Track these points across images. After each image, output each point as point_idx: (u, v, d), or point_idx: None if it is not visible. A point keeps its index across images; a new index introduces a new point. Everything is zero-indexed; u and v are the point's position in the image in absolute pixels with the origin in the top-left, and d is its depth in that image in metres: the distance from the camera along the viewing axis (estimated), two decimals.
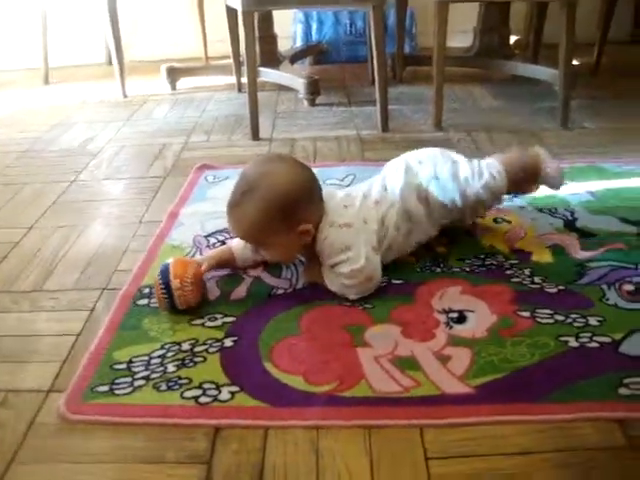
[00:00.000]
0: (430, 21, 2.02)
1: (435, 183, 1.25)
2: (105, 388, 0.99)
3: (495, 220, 1.43)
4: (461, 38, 2.77)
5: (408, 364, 1.00)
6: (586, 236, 1.35)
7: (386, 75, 2.08)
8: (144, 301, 1.20)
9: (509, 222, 1.42)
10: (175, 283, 1.12)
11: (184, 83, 2.71)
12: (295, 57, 2.73)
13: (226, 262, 1.26)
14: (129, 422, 0.94)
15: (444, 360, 1.01)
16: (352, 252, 1.14)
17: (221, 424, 0.92)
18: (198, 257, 1.30)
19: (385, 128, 2.06)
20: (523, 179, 1.31)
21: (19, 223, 1.56)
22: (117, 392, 0.99)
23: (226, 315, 1.15)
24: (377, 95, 2.05)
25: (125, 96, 2.62)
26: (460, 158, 1.29)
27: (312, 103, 2.35)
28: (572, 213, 1.45)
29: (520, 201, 1.51)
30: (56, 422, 0.95)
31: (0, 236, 1.51)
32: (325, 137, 2.04)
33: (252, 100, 2.02)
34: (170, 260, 1.17)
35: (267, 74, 2.45)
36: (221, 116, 2.32)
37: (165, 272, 1.13)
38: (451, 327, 1.08)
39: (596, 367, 0.98)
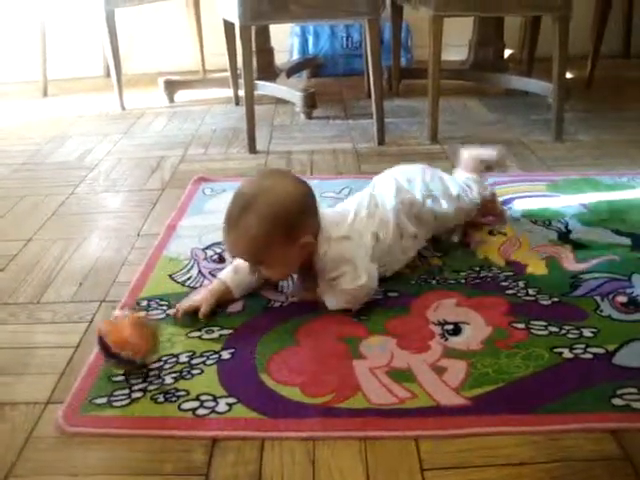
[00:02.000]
0: (425, 34, 2.04)
1: (430, 202, 1.29)
2: (103, 400, 1.00)
3: (490, 232, 1.45)
4: (456, 51, 2.80)
5: (404, 376, 1.01)
6: (580, 248, 1.36)
7: (382, 88, 2.10)
8: (142, 314, 1.21)
9: (504, 234, 1.44)
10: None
11: (182, 96, 2.73)
12: (292, 70, 2.75)
13: (224, 296, 1.21)
14: (127, 434, 0.94)
15: (440, 372, 1.01)
16: (352, 266, 1.15)
17: (218, 436, 0.93)
18: (195, 298, 1.22)
19: (381, 141, 2.08)
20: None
21: (17, 235, 1.57)
22: (115, 404, 0.99)
23: (223, 327, 1.15)
24: (373, 108, 2.07)
25: (123, 109, 2.63)
26: (443, 175, 1.37)
27: (309, 116, 2.37)
28: (566, 225, 1.46)
29: (515, 213, 1.52)
30: (54, 434, 0.95)
31: None
32: (321, 150, 2.05)
33: (249, 114, 2.04)
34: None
35: (264, 87, 2.47)
36: (218, 129, 2.33)
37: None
38: (446, 339, 1.09)
39: (590, 378, 0.99)
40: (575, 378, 0.99)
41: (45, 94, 2.90)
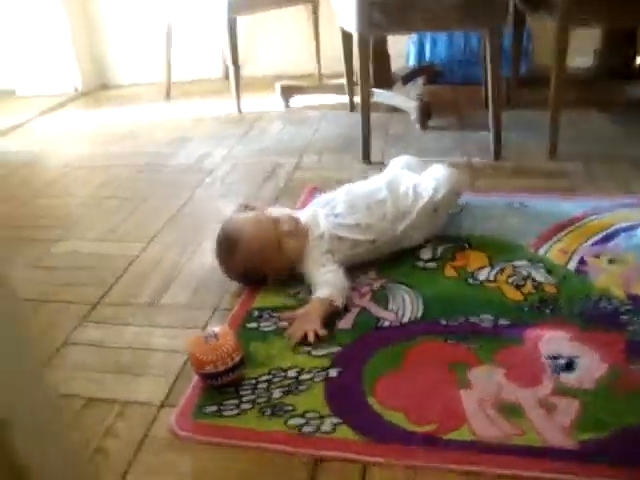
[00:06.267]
0: (547, 40, 1.97)
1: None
2: (214, 408, 1.05)
3: (610, 260, 1.39)
4: (581, 55, 2.67)
5: (512, 410, 1.00)
6: None
7: (500, 100, 2.05)
8: (253, 324, 1.26)
9: (625, 263, 1.37)
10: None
11: (297, 101, 2.78)
12: (408, 77, 2.74)
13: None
14: (234, 444, 0.99)
15: (549, 409, 0.99)
16: None
17: (322, 455, 0.95)
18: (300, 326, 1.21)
19: (498, 155, 2.03)
20: None
21: (139, 237, 1.67)
22: (225, 413, 1.04)
23: (332, 345, 1.18)
24: (490, 120, 2.03)
25: (240, 112, 2.73)
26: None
27: (424, 127, 2.35)
28: None
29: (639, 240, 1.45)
30: (166, 437, 1.01)
31: (123, 249, 1.62)
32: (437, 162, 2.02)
33: (365, 124, 2.05)
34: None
35: (380, 95, 2.47)
36: (333, 136, 2.37)
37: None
38: (558, 374, 1.06)
39: None
40: None
41: (168, 96, 3.05)
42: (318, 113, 2.66)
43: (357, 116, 2.12)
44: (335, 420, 1.01)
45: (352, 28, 1.99)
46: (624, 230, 1.51)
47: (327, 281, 1.27)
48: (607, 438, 0.93)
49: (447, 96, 2.78)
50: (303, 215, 1.43)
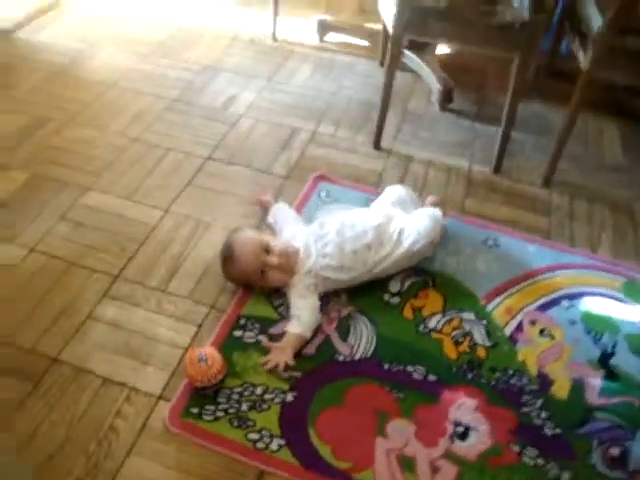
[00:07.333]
0: None
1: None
2: (196, 410, 1.50)
3: (541, 331, 1.77)
4: None
5: (408, 465, 1.44)
6: (611, 378, 1.65)
7: (520, 95, 2.23)
8: (239, 333, 1.68)
9: (553, 338, 1.76)
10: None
11: (332, 37, 2.99)
12: None
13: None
14: (207, 447, 1.43)
15: (434, 471, 1.44)
16: None
17: (266, 471, 1.42)
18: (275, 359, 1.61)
19: (498, 167, 2.32)
20: None
21: (159, 203, 2.04)
22: (204, 417, 1.49)
23: (295, 369, 1.60)
24: (501, 128, 2.27)
25: (274, 39, 2.95)
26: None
27: (443, 109, 2.61)
28: (614, 345, 1.72)
29: (575, 314, 1.81)
30: (161, 428, 1.46)
31: (143, 214, 1.99)
32: (439, 164, 2.32)
33: (383, 108, 2.32)
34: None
35: (410, 60, 2.70)
36: (353, 101, 2.62)
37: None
38: (453, 441, 1.50)
39: None
40: None
41: None
42: (348, 60, 2.88)
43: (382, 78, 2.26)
44: (281, 442, 1.46)
45: (389, 24, 2.20)
46: (568, 297, 1.87)
47: (302, 318, 1.65)
48: None
49: (477, 61, 2.91)
50: (300, 240, 1.79)
